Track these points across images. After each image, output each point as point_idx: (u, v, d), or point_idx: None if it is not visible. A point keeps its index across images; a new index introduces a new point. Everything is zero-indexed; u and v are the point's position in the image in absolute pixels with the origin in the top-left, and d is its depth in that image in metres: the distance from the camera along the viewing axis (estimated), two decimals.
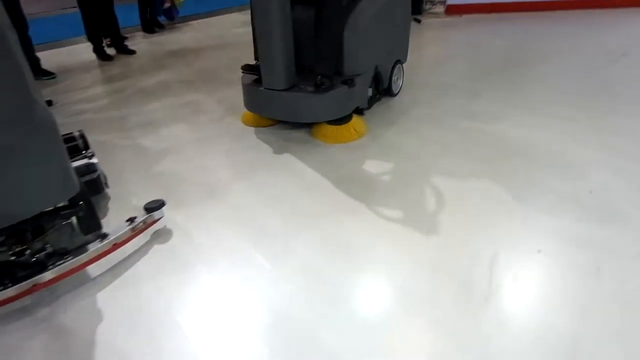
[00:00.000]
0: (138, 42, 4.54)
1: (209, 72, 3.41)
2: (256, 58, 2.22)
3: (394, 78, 2.55)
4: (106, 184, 1.72)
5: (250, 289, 1.30)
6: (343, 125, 2.12)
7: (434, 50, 3.81)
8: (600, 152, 1.91)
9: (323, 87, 2.02)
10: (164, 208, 1.54)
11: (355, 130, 2.15)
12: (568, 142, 2.01)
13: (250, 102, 2.21)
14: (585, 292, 1.23)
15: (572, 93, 2.56)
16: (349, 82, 2.06)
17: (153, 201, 1.54)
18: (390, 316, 1.19)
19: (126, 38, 4.20)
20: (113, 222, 1.52)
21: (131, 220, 1.47)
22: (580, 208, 1.57)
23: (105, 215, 1.66)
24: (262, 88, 2.06)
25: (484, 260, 1.35)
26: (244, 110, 2.32)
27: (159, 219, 1.54)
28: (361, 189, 1.74)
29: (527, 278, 1.30)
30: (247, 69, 2.23)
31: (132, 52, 4.04)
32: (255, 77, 2.13)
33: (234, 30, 4.85)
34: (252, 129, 2.32)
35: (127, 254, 1.44)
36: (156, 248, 1.49)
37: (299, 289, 1.29)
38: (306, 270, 1.36)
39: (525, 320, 1.16)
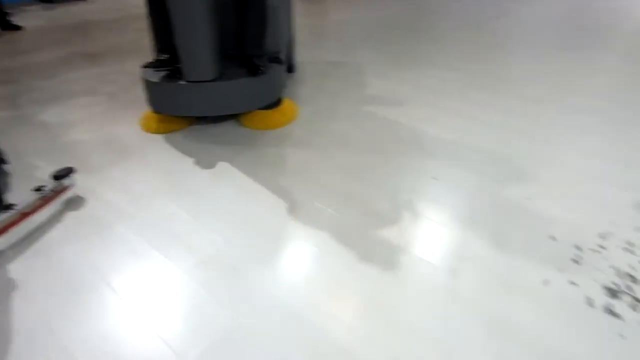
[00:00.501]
0: (38, 15, 4.16)
1: (113, 46, 3.23)
2: (162, 50, 1.90)
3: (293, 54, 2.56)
4: (3, 159, 1.61)
5: (173, 238, 1.31)
6: (278, 109, 1.99)
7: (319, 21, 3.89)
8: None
9: (261, 68, 1.85)
10: (74, 175, 1.48)
11: (290, 112, 2.04)
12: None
13: (163, 102, 1.87)
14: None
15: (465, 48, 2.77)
16: (277, 59, 1.97)
17: (61, 169, 1.47)
18: (312, 257, 1.26)
19: (9, 13, 3.84)
20: (19, 195, 1.44)
21: (39, 189, 1.40)
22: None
23: (8, 190, 1.56)
24: (182, 82, 1.78)
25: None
26: (145, 112, 2.03)
27: (69, 187, 1.48)
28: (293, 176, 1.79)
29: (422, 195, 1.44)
30: (156, 64, 1.89)
31: (18, 27, 3.71)
32: (166, 72, 1.86)
33: (135, 2, 4.59)
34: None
35: (39, 224, 1.38)
36: (70, 215, 1.43)
37: (223, 236, 1.32)
38: (227, 218, 1.39)
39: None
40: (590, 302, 1.10)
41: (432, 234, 1.32)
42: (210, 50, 1.74)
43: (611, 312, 1.07)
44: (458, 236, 1.31)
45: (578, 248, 1.26)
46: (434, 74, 2.53)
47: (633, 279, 1.15)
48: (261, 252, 1.25)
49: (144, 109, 2.09)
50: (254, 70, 1.85)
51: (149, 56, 2.17)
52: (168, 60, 1.87)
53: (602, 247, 1.26)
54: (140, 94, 2.28)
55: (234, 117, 2.01)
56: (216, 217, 1.40)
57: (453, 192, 1.50)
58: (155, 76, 1.85)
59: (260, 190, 1.52)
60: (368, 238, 1.29)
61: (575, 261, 1.22)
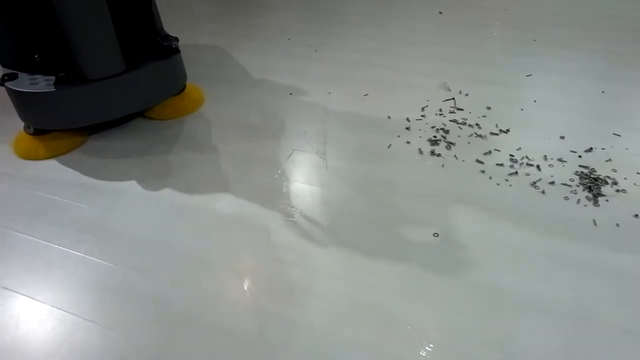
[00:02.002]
0: None
1: None
2: (35, 53, 1.53)
3: None
4: None
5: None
6: (184, 94, 1.81)
7: None
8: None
9: (174, 47, 1.64)
10: None
11: (198, 95, 1.88)
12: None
13: (58, 115, 1.51)
14: None
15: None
16: (174, 38, 1.75)
17: None
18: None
19: None
20: None
21: None
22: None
23: None
24: (82, 85, 1.48)
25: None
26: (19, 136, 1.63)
27: None
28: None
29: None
30: (42, 68, 1.52)
31: None
32: (52, 78, 1.51)
33: None
34: None
35: None
36: None
37: None
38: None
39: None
40: (421, 151, 1.51)
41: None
42: (115, 37, 1.48)
43: (434, 153, 1.50)
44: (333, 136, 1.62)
45: (408, 120, 1.67)
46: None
47: (445, 131, 1.60)
48: None
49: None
50: (166, 52, 1.63)
51: None
52: (54, 64, 1.52)
53: (423, 116, 1.69)
54: None
55: (138, 112, 1.79)
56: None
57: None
58: (38, 86, 1.48)
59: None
60: None
61: (407, 128, 1.62)
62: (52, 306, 1.07)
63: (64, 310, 1.06)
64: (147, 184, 1.42)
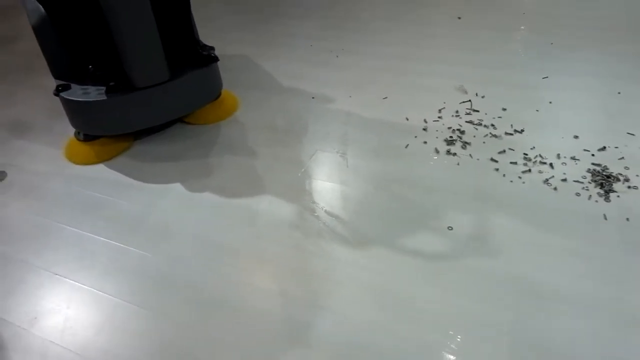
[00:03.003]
0: None
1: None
2: (94, 66, 1.63)
3: None
4: None
5: None
6: (220, 100, 1.88)
7: None
8: None
9: (213, 55, 1.74)
10: None
11: (232, 100, 1.97)
12: None
13: (110, 122, 1.62)
14: None
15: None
16: (210, 47, 1.85)
17: None
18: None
19: None
20: None
21: None
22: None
23: None
24: (131, 93, 1.57)
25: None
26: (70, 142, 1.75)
27: None
28: None
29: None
30: (96, 77, 1.62)
31: None
32: (103, 87, 1.59)
33: None
34: None
35: None
36: None
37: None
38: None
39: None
40: (437, 151, 1.58)
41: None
42: (161, 48, 1.56)
43: (450, 152, 1.57)
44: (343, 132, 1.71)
45: (425, 121, 1.74)
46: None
47: (461, 132, 1.66)
48: None
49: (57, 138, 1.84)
50: (206, 60, 1.73)
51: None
52: (106, 73, 1.62)
53: (440, 117, 1.76)
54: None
55: (178, 118, 1.85)
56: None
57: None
58: (90, 95, 1.58)
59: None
60: None
61: (424, 129, 1.70)
62: (98, 290, 1.19)
63: (107, 294, 1.18)
64: (186, 184, 1.54)
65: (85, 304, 1.16)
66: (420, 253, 1.21)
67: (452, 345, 0.99)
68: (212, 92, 1.81)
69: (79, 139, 1.71)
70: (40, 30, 1.58)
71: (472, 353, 0.97)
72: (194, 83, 1.70)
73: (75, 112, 1.62)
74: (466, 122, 1.71)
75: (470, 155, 1.55)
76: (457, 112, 1.78)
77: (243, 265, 1.23)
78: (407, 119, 1.76)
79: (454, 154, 1.56)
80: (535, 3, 2.73)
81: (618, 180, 1.39)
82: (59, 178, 1.62)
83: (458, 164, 1.51)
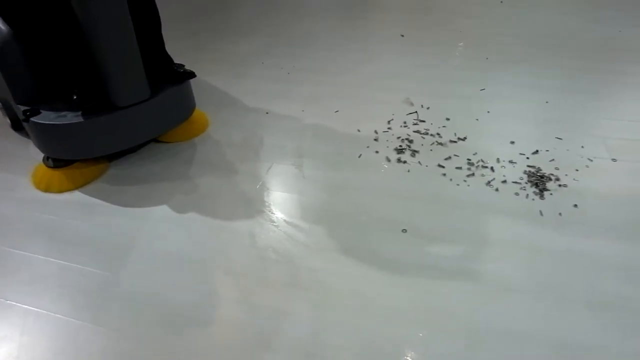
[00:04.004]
0: None
1: None
2: (74, 88, 1.51)
3: None
4: None
5: None
6: (192, 116, 1.83)
7: None
8: None
9: (189, 71, 1.72)
10: None
11: (203, 117, 1.97)
12: None
13: (91, 144, 1.55)
14: None
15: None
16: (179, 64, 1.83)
17: None
18: None
19: None
20: None
21: None
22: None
23: None
24: (112, 113, 1.52)
25: None
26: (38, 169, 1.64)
27: None
28: None
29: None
30: (80, 104, 1.51)
31: None
32: (76, 109, 1.51)
33: None
34: None
35: None
36: None
37: None
38: None
39: None
40: (388, 159, 1.67)
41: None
42: (142, 65, 1.53)
43: (400, 160, 1.66)
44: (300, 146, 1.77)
45: (376, 132, 1.83)
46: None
47: (410, 141, 1.77)
48: None
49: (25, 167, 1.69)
50: (183, 77, 1.71)
51: None
52: (81, 97, 1.51)
53: (389, 128, 1.86)
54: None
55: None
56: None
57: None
58: (66, 118, 1.49)
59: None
60: None
61: (375, 140, 1.79)
62: (54, 313, 1.16)
63: (65, 316, 1.15)
64: (144, 201, 1.53)
65: (42, 329, 1.13)
66: (378, 255, 1.27)
67: (416, 339, 1.05)
68: (188, 108, 1.79)
69: (48, 166, 1.61)
70: (2, 51, 1.48)
71: (435, 344, 1.04)
72: (172, 100, 1.69)
73: (50, 137, 1.52)
74: (414, 131, 1.82)
75: (419, 162, 1.65)
76: (405, 122, 1.89)
77: (206, 278, 1.24)
78: (359, 130, 1.85)
79: (404, 162, 1.65)
80: (471, 23, 2.93)
81: (550, 179, 1.52)
82: (10, 202, 1.56)
83: (408, 171, 1.60)
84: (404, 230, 1.35)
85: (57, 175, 1.60)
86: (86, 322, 1.13)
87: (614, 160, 1.61)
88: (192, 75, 1.74)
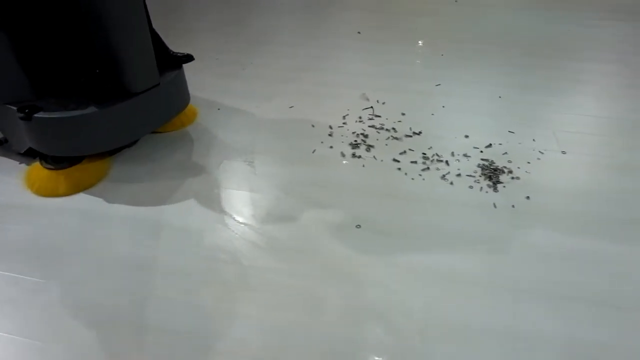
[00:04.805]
0: None
1: None
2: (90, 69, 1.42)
3: None
4: None
5: None
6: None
7: None
8: None
9: (189, 56, 1.66)
10: None
11: (191, 107, 1.86)
12: None
13: (102, 136, 1.43)
14: None
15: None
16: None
17: None
18: None
19: None
20: None
21: None
22: None
23: None
24: (124, 102, 1.41)
25: None
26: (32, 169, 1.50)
27: None
28: None
29: None
30: (90, 91, 1.40)
31: None
32: (77, 100, 1.39)
33: None
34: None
35: None
36: None
37: None
38: None
39: None
40: (343, 154, 1.63)
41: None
42: (152, 48, 1.45)
43: (355, 155, 1.62)
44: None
45: (330, 127, 1.79)
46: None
47: (365, 136, 1.74)
48: None
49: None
50: (181, 60, 1.64)
51: None
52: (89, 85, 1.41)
53: (345, 123, 1.82)
54: None
55: None
56: None
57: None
58: (77, 108, 1.36)
59: None
60: None
61: (330, 135, 1.75)
62: None
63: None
64: (83, 201, 1.42)
65: None
66: (332, 252, 1.23)
67: (372, 337, 1.01)
68: (187, 94, 1.70)
69: (48, 168, 1.45)
70: None
71: (390, 342, 1.00)
72: (175, 86, 1.60)
73: (62, 132, 1.37)
74: (369, 126, 1.79)
75: (374, 157, 1.62)
76: (360, 117, 1.86)
77: (153, 281, 1.16)
78: (313, 126, 1.80)
79: (359, 157, 1.62)
80: (426, 21, 2.96)
81: (503, 172, 1.53)
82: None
83: (363, 166, 1.57)
84: (358, 226, 1.31)
85: (60, 176, 1.45)
86: (13, 334, 1.03)
87: (563, 152, 1.63)
88: (190, 58, 1.66)
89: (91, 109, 1.37)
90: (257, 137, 1.74)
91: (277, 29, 2.90)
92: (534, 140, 1.70)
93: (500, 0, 3.31)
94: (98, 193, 1.45)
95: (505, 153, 1.62)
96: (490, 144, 1.67)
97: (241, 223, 1.33)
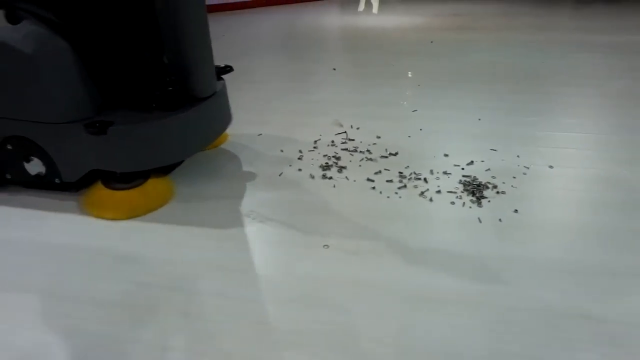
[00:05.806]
0: None
1: None
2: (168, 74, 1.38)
3: None
4: None
5: None
6: None
7: None
8: None
9: (230, 67, 1.66)
10: None
11: None
12: None
13: (188, 140, 1.38)
14: None
15: None
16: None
17: None
18: None
19: None
20: None
21: None
22: None
23: None
24: (197, 106, 1.37)
25: None
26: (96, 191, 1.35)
27: None
28: None
29: None
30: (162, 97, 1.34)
31: None
32: (145, 110, 1.33)
33: None
34: None
35: None
36: None
37: None
38: None
39: None
40: (312, 176, 1.49)
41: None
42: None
43: (326, 177, 1.48)
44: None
45: (300, 152, 1.66)
46: None
47: (337, 158, 1.61)
48: None
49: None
50: (221, 71, 1.62)
51: None
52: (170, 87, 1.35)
53: (315, 147, 1.70)
54: None
55: None
56: None
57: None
58: (154, 115, 1.29)
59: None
60: None
61: (299, 159, 1.61)
62: None
63: None
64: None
65: None
66: (296, 274, 1.05)
67: None
68: (229, 108, 1.62)
69: (114, 188, 1.31)
70: (59, 67, 1.23)
71: None
72: (224, 97, 1.56)
73: (138, 143, 1.28)
74: (342, 149, 1.67)
75: (346, 177, 1.48)
76: (332, 142, 1.74)
77: (64, 311, 0.96)
78: (282, 151, 1.68)
79: (330, 178, 1.48)
80: (403, 60, 2.95)
81: (487, 187, 1.39)
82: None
83: (334, 186, 1.43)
84: (326, 246, 1.14)
85: (133, 195, 1.31)
86: None
87: (550, 167, 1.51)
88: (230, 69, 1.65)
89: (170, 116, 1.29)
90: (221, 164, 1.60)
91: (254, 62, 2.88)
92: (518, 156, 1.58)
93: (477, 40, 3.36)
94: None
95: (489, 169, 1.50)
96: (472, 161, 1.55)
97: (197, 247, 1.16)
